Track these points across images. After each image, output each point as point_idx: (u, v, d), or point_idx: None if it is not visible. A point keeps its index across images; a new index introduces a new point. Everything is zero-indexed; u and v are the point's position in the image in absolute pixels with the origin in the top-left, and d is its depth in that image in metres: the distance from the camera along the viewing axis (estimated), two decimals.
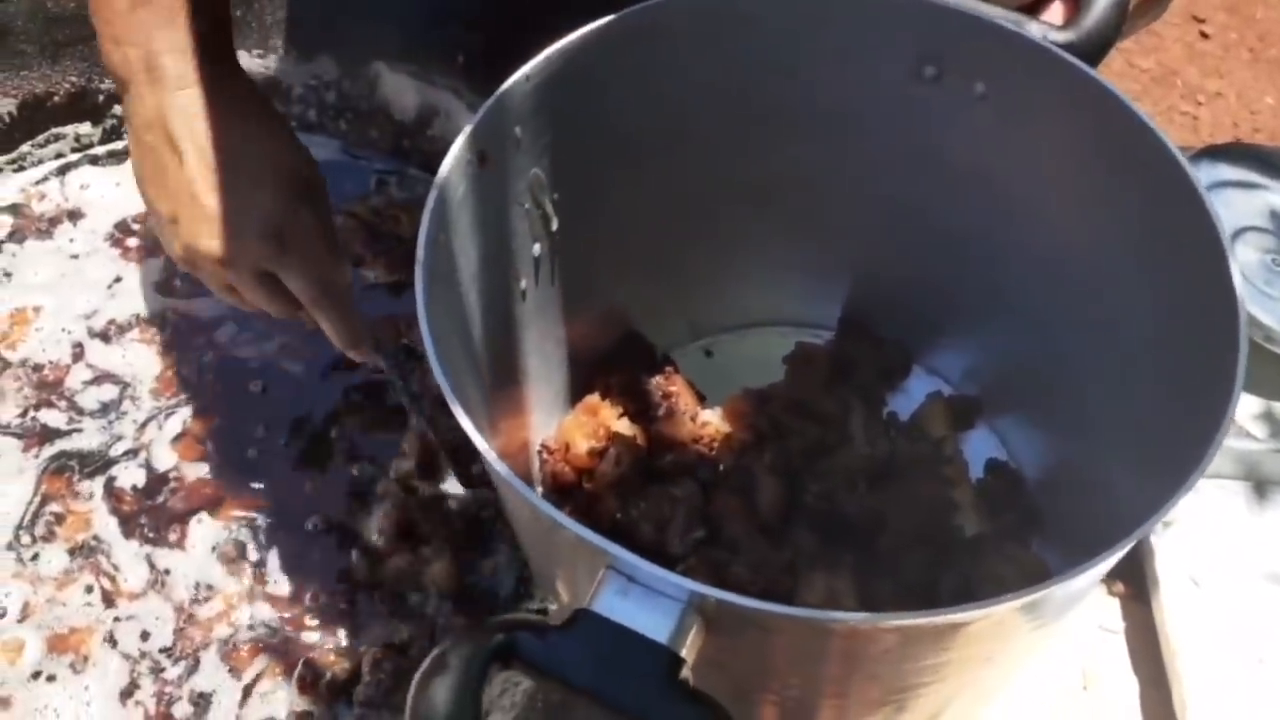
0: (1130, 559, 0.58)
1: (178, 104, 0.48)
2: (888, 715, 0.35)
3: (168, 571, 0.56)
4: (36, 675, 0.52)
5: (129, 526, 0.57)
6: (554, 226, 0.46)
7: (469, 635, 0.28)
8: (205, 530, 0.57)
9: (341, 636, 0.54)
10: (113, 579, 0.55)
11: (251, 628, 0.54)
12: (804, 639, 0.30)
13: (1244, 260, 0.69)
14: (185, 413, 0.61)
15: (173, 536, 0.57)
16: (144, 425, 0.60)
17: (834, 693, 0.35)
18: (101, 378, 0.62)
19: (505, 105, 0.40)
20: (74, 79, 0.71)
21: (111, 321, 0.64)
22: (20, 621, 0.54)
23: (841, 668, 0.32)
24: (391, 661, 0.52)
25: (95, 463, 0.59)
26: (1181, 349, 0.37)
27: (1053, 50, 0.39)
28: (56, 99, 0.71)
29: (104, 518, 0.57)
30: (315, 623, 0.54)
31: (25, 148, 0.71)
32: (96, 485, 0.58)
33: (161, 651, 0.53)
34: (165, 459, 0.59)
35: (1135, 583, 0.58)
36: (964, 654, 0.32)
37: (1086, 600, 0.58)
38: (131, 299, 0.65)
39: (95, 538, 0.57)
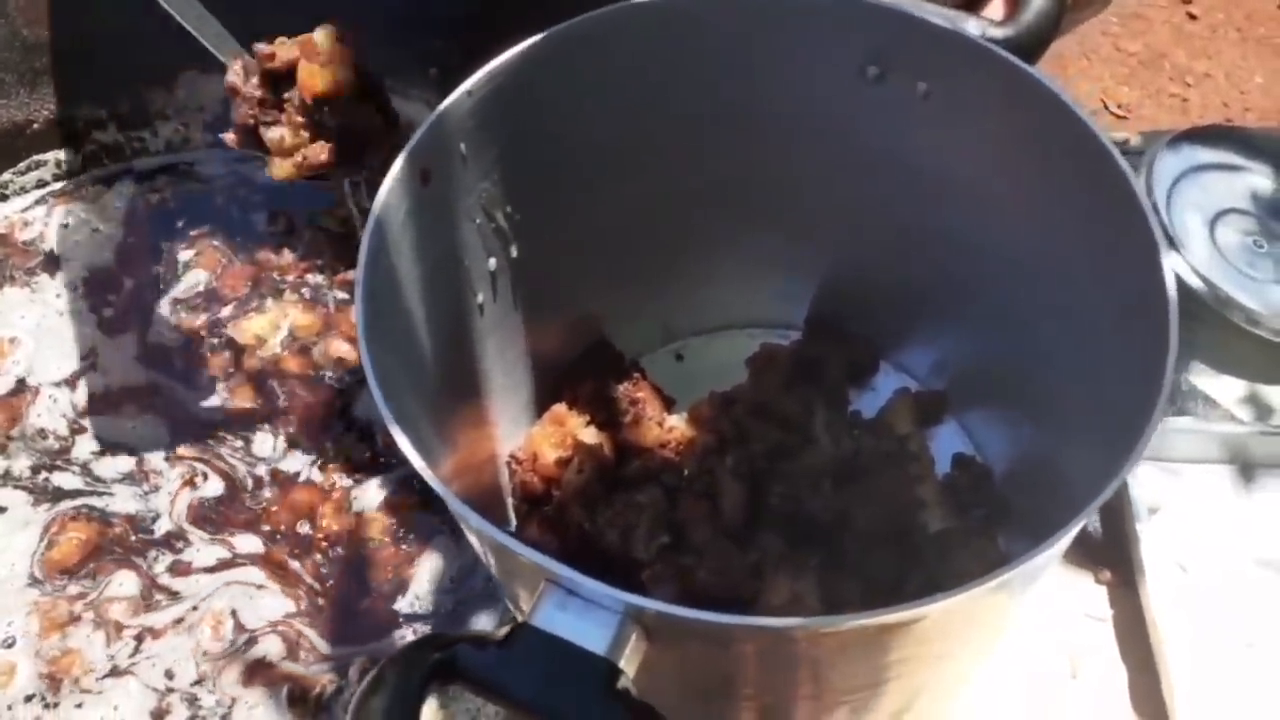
0: (1117, 547, 0.58)
1: None
2: (846, 714, 0.35)
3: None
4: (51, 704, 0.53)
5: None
6: (510, 239, 0.46)
7: (408, 652, 0.28)
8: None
9: (331, 654, 0.54)
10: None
11: (236, 647, 0.54)
12: (744, 645, 0.30)
13: (1225, 242, 0.68)
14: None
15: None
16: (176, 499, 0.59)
17: (799, 694, 0.35)
18: (115, 448, 0.62)
19: (447, 122, 0.40)
20: (53, 106, 0.72)
21: (94, 395, 0.63)
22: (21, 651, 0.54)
23: (791, 671, 0.32)
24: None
25: (141, 529, 0.58)
26: (1130, 339, 0.37)
27: (989, 48, 0.39)
28: (36, 126, 0.72)
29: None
30: (307, 643, 0.54)
31: (7, 176, 0.72)
32: (159, 555, 0.58)
33: (192, 686, 0.53)
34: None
35: (1123, 570, 0.58)
36: (916, 651, 0.32)
37: (1073, 590, 0.57)
38: (113, 374, 0.64)
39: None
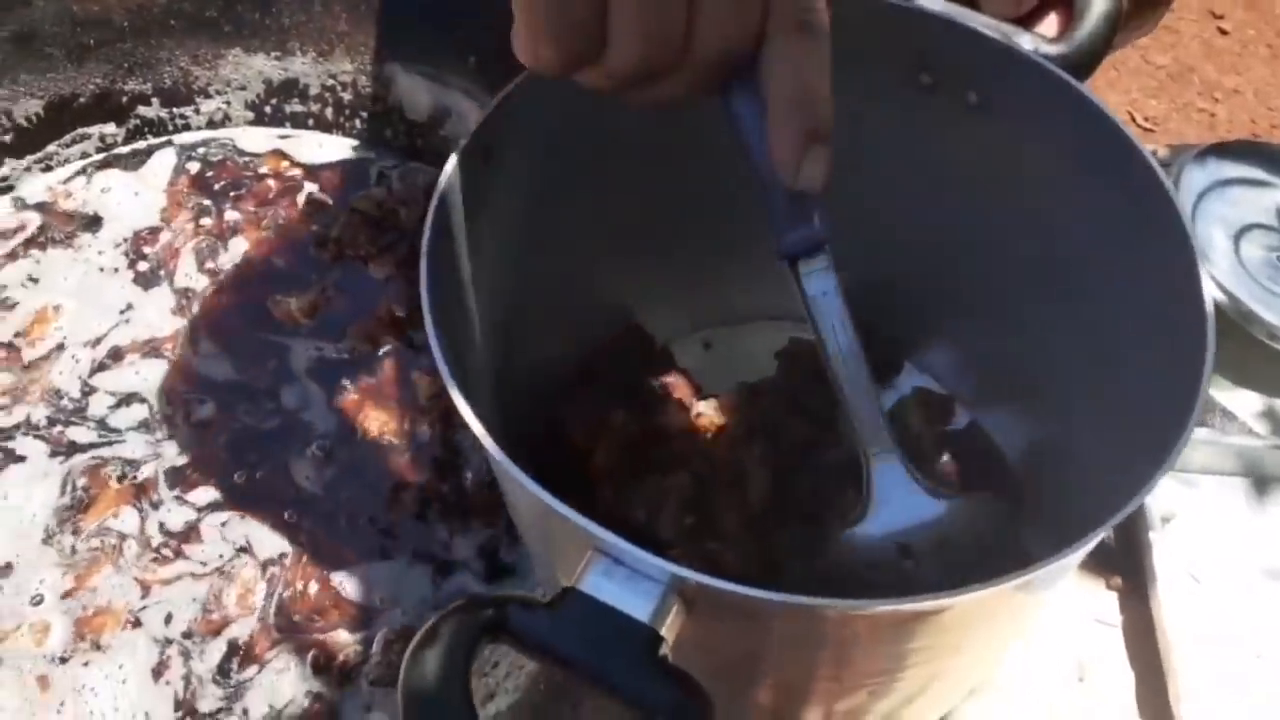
0: (1129, 555, 0.59)
1: None
2: (864, 697, 0.36)
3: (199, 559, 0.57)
4: (65, 659, 0.54)
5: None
6: (558, 222, 0.47)
7: (461, 609, 0.29)
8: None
9: (357, 623, 0.55)
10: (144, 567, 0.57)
11: (264, 616, 0.56)
12: (777, 621, 0.31)
13: (1249, 257, 0.69)
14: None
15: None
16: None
17: (821, 674, 0.36)
18: (129, 398, 0.63)
19: (511, 104, 0.41)
20: (99, 81, 0.73)
21: (117, 347, 0.65)
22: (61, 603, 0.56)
23: (817, 651, 0.33)
24: (403, 644, 0.54)
25: (139, 468, 0.60)
26: (1161, 354, 0.38)
27: (1041, 63, 0.41)
28: (82, 100, 0.73)
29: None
30: (334, 612, 0.56)
31: (52, 148, 0.74)
32: (160, 494, 0.59)
33: (185, 636, 0.55)
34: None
35: (1134, 578, 0.59)
36: (935, 641, 0.33)
37: (1084, 595, 0.58)
38: (141, 326, 0.66)
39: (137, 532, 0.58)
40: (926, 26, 0.43)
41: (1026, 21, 0.44)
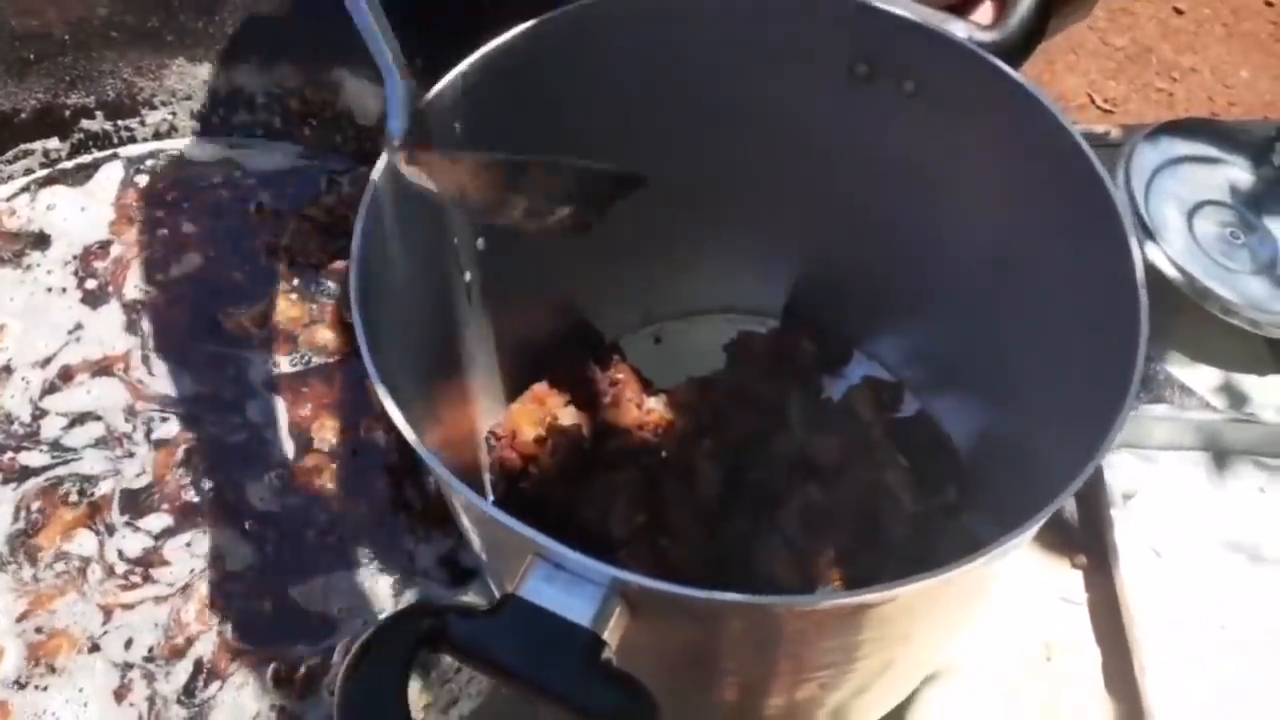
0: (1092, 532, 0.59)
1: None
2: (816, 689, 0.36)
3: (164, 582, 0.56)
4: (23, 684, 0.53)
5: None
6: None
7: (400, 619, 0.29)
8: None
9: (318, 634, 0.55)
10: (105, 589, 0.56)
11: (223, 630, 0.55)
12: (723, 621, 0.31)
13: (1203, 234, 0.69)
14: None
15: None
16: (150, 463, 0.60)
17: (770, 670, 0.36)
18: (83, 417, 0.62)
19: (441, 104, 0.41)
20: (40, 95, 0.72)
21: (67, 366, 0.64)
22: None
23: (770, 649, 0.33)
24: None
25: (96, 484, 0.59)
26: (1101, 331, 0.38)
27: (975, 50, 0.41)
28: (23, 116, 0.72)
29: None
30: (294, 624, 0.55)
31: None
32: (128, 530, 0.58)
33: (147, 660, 0.54)
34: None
35: (1097, 555, 0.59)
36: (885, 631, 0.33)
37: (1049, 574, 0.58)
38: (92, 345, 0.65)
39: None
40: (860, 16, 0.43)
41: (961, 10, 0.44)
